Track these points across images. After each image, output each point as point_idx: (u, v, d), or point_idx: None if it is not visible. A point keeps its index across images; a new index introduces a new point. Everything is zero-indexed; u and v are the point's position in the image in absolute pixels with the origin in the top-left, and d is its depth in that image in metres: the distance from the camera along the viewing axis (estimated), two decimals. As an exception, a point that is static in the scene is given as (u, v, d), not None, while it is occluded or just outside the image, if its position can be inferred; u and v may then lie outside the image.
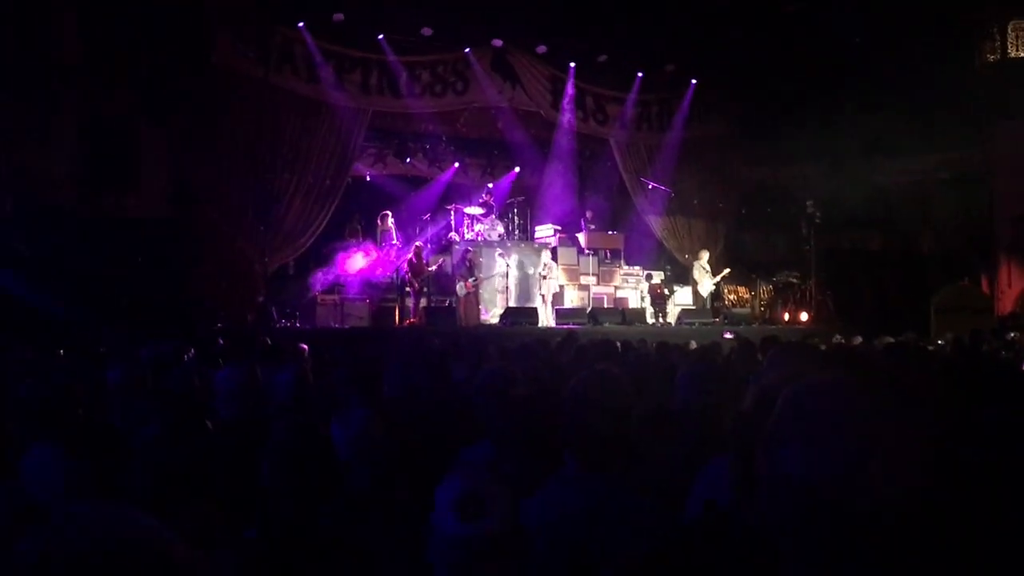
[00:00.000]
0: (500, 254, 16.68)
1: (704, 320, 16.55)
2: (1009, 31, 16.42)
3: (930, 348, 9.46)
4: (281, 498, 2.41)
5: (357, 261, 15.76)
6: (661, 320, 16.98)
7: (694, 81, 18.55)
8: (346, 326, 14.40)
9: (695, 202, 19.04)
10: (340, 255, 15.64)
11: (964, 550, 1.44)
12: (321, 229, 15.63)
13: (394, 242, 16.66)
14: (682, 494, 2.34)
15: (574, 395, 2.35)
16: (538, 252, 17.17)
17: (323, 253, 15.72)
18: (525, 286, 16.89)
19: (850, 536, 1.12)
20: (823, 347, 9.67)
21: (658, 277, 17.98)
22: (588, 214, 18.70)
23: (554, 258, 17.32)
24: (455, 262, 16.05)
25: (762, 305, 18.55)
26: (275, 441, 2.52)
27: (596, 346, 7.40)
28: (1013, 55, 16.33)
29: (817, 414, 1.18)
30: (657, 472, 2.60)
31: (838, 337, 11.89)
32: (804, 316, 17.44)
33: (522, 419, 2.92)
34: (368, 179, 18.67)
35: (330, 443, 2.67)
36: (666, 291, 17.57)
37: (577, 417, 2.30)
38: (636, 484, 2.29)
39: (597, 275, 17.72)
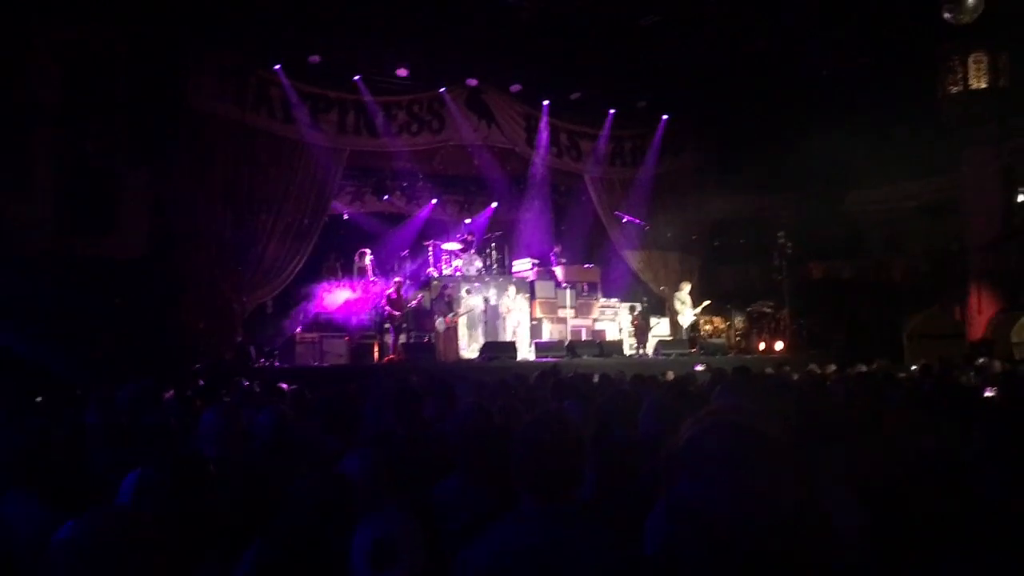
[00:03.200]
0: (467, 291, 16.77)
1: (681, 351, 16.62)
2: (970, 63, 16.77)
3: (902, 375, 9.58)
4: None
5: (338, 297, 15.76)
6: (639, 351, 17.06)
7: (665, 116, 18.78)
8: (325, 364, 14.39)
9: (669, 235, 19.17)
10: (321, 291, 15.65)
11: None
12: (299, 268, 15.66)
13: (372, 279, 16.73)
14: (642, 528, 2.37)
15: (523, 437, 2.40)
16: (516, 286, 17.36)
17: (301, 292, 15.72)
18: (499, 320, 16.99)
19: (743, 567, 1.20)
20: (795, 376, 9.82)
21: (637, 309, 18.05)
22: (556, 249, 18.83)
23: (532, 292, 17.43)
24: (434, 298, 16.11)
25: (737, 335, 18.66)
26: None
27: (572, 380, 7.40)
28: (974, 86, 16.66)
29: (707, 452, 1.28)
30: (619, 505, 2.61)
31: (812, 366, 11.95)
32: (779, 345, 17.59)
33: (495, 456, 2.95)
34: (346, 217, 18.72)
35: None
36: (644, 323, 17.65)
37: (525, 457, 2.35)
38: (596, 518, 2.31)
39: (575, 308, 17.82)
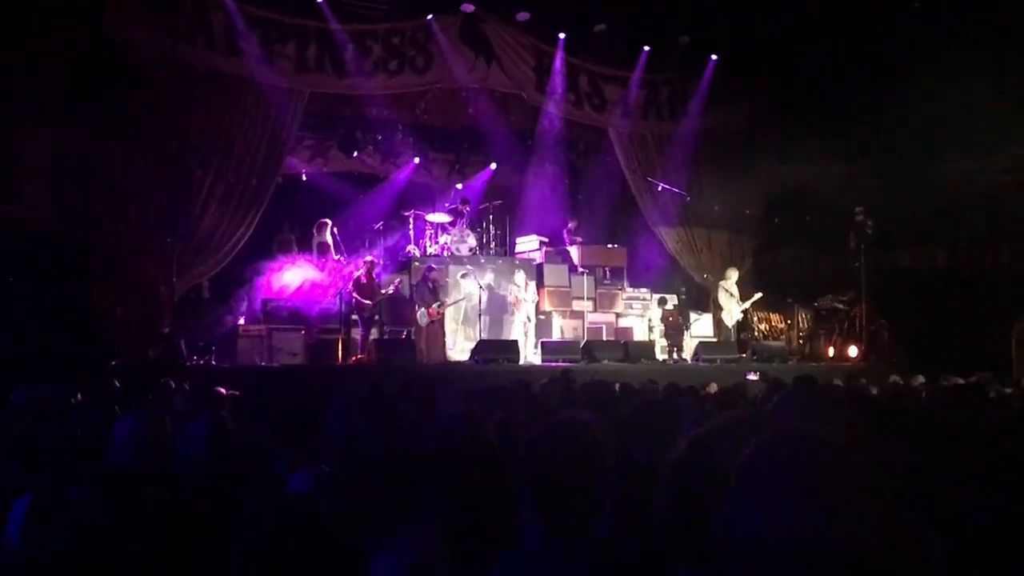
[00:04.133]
0: (463, 275, 16.85)
1: (727, 356, 16.76)
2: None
3: (1008, 390, 9.51)
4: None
5: (293, 279, 15.83)
6: (675, 356, 17.18)
7: (714, 57, 18.71)
8: (275, 364, 14.52)
9: (716, 209, 19.09)
10: (271, 272, 15.72)
11: None
12: (244, 242, 15.70)
13: (337, 257, 16.76)
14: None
15: (530, 449, 2.42)
16: (518, 270, 17.49)
17: (247, 272, 15.79)
18: (503, 313, 17.22)
19: None
20: (873, 390, 9.77)
21: (672, 302, 18.11)
22: (572, 224, 18.80)
23: (539, 277, 17.45)
24: (415, 283, 16.13)
25: (800, 337, 18.66)
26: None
27: (587, 389, 7.42)
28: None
29: (776, 473, 1.33)
30: (643, 548, 2.54)
31: (895, 377, 11.98)
32: (853, 351, 17.66)
33: (488, 478, 2.95)
34: (304, 178, 18.73)
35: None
36: (681, 320, 17.80)
37: (531, 475, 2.37)
38: (616, 562, 2.34)
39: (594, 299, 17.93)
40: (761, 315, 18.46)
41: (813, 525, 1.26)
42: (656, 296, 18.29)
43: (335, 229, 17.16)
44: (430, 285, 15.86)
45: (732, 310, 17.82)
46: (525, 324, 16.91)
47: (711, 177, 19.15)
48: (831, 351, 18.06)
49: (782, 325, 18.83)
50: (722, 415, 2.04)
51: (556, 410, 5.81)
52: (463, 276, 16.95)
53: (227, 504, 2.81)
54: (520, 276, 17.16)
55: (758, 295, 17.98)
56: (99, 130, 14.34)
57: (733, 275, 18.02)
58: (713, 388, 10.67)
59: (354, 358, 15.26)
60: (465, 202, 18.33)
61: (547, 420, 2.62)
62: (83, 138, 14.26)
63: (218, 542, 2.60)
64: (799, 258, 19.81)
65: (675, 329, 17.55)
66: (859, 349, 17.62)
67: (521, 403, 6.51)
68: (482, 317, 16.70)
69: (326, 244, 16.94)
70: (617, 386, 8.83)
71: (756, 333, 18.03)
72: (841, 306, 18.42)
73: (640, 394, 7.84)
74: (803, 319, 18.95)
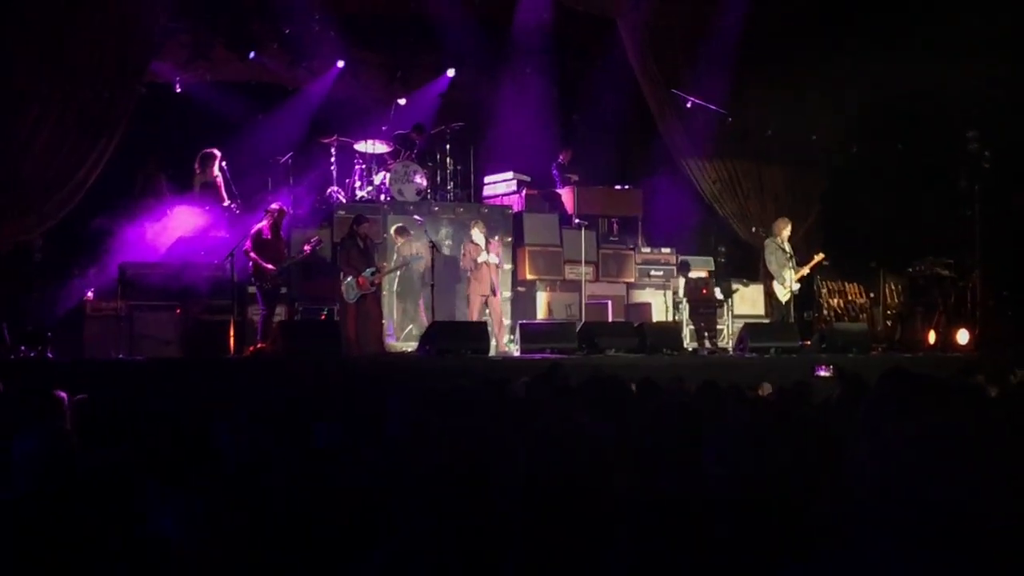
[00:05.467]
0: (406, 229, 16.82)
1: (785, 343, 16.72)
2: None
3: None
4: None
5: (163, 235, 15.90)
6: (708, 343, 17.24)
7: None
8: (139, 357, 14.53)
9: (769, 134, 19.07)
10: (131, 225, 15.73)
11: None
12: (92, 181, 15.56)
13: (227, 204, 16.83)
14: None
15: (518, 464, 2.50)
16: (477, 223, 17.43)
17: (96, 225, 15.77)
18: (469, 283, 17.24)
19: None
20: (992, 390, 9.78)
21: (703, 268, 18.06)
22: (564, 156, 18.88)
23: (517, 232, 17.59)
24: (340, 241, 16.24)
25: (889, 317, 18.72)
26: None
27: (589, 389, 7.34)
28: None
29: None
30: None
31: (1021, 371, 12.02)
32: (963, 335, 17.68)
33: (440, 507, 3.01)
34: (179, 90, 18.64)
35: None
36: (717, 292, 17.69)
37: (522, 498, 2.44)
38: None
39: (595, 264, 18.03)
40: (833, 286, 18.58)
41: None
42: (681, 259, 18.30)
43: (224, 163, 17.31)
44: (361, 244, 15.91)
45: (785, 278, 17.79)
46: (488, 299, 16.96)
47: (763, 88, 18.94)
48: (931, 336, 18.05)
49: (863, 300, 18.93)
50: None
51: (543, 417, 6.01)
52: (409, 231, 17.01)
53: (68, 552, 2.81)
54: (478, 232, 17.08)
55: (820, 257, 18.06)
56: None
57: (786, 230, 17.93)
58: (766, 389, 10.70)
59: (252, 348, 15.42)
60: (419, 128, 18.28)
61: (534, 428, 2.73)
62: None
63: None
64: (886, 203, 19.60)
65: (707, 306, 17.53)
66: (971, 334, 17.59)
67: (491, 411, 6.50)
68: (435, 290, 16.67)
69: (212, 185, 17.02)
70: (633, 386, 8.62)
71: (826, 311, 18.07)
72: (946, 273, 18.47)
73: (665, 396, 7.92)
74: (892, 291, 19.05)
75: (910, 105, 18.43)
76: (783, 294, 17.76)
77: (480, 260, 16.84)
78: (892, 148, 19.51)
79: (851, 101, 19.09)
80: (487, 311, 16.89)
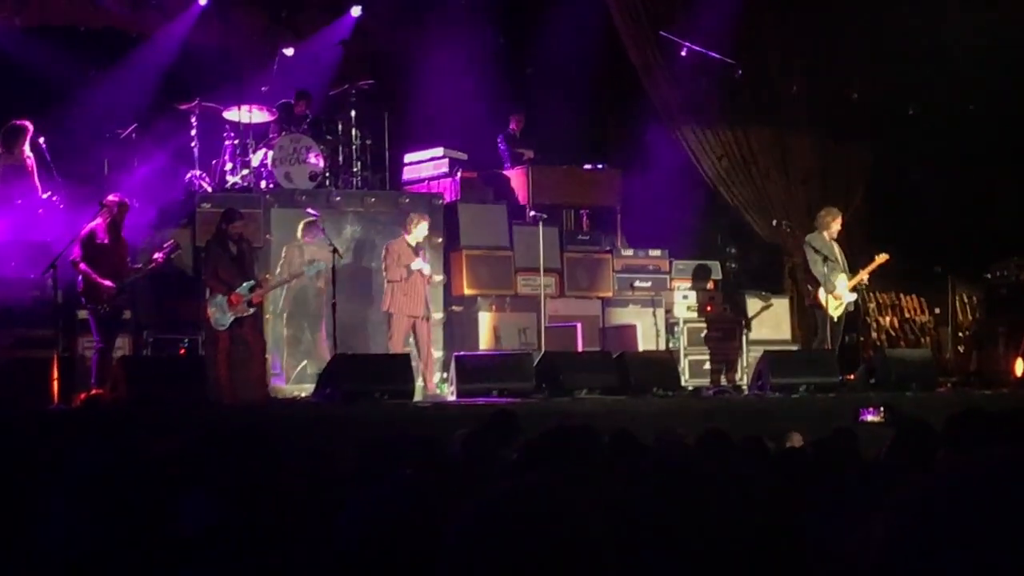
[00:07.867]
0: (303, 227, 16.93)
1: (820, 379, 16.21)
2: None
3: None
4: None
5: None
6: (722, 378, 17.66)
7: None
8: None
9: (795, 91, 18.53)
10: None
11: None
12: None
13: (46, 195, 16.71)
14: None
15: (463, 537, 2.36)
16: (415, 215, 17.05)
17: None
18: (378, 303, 17.14)
19: None
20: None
21: (706, 277, 18.29)
22: (514, 125, 18.92)
23: (449, 229, 17.68)
24: (205, 244, 15.88)
25: (960, 340, 18.15)
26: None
27: (546, 443, 7.37)
28: None
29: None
30: None
31: None
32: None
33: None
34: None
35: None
36: (726, 307, 17.87)
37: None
38: None
39: (559, 273, 18.02)
40: (885, 299, 18.27)
41: None
42: (682, 265, 18.33)
43: (42, 140, 16.95)
44: (233, 249, 15.37)
45: (836, 285, 16.63)
46: (415, 323, 16.50)
47: (783, 31, 18.47)
48: (1019, 366, 17.55)
49: (925, 317, 18.74)
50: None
51: (495, 480, 6.06)
52: (303, 230, 16.88)
53: None
54: (420, 228, 16.56)
55: (883, 258, 16.90)
56: None
57: (836, 223, 16.91)
58: (796, 441, 10.99)
59: (84, 395, 15.05)
60: (303, 96, 18.17)
61: (490, 493, 2.56)
62: None
63: None
64: (955, 189, 18.89)
65: (715, 328, 17.55)
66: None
67: (420, 482, 5.61)
68: (337, 311, 16.19)
69: (23, 169, 16.70)
70: (606, 439, 8.58)
71: (875, 333, 17.41)
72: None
73: (653, 451, 8.14)
74: (965, 306, 18.57)
75: (987, 52, 17.84)
76: (835, 307, 16.79)
77: (414, 268, 16.42)
78: (963, 111, 18.91)
79: (906, 44, 18.54)
80: (410, 339, 16.63)
